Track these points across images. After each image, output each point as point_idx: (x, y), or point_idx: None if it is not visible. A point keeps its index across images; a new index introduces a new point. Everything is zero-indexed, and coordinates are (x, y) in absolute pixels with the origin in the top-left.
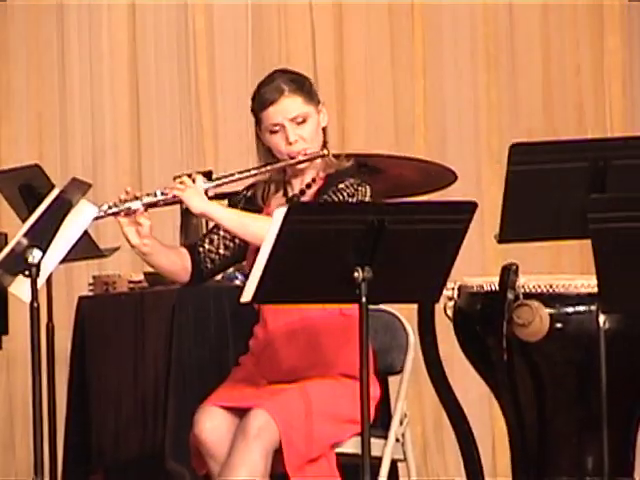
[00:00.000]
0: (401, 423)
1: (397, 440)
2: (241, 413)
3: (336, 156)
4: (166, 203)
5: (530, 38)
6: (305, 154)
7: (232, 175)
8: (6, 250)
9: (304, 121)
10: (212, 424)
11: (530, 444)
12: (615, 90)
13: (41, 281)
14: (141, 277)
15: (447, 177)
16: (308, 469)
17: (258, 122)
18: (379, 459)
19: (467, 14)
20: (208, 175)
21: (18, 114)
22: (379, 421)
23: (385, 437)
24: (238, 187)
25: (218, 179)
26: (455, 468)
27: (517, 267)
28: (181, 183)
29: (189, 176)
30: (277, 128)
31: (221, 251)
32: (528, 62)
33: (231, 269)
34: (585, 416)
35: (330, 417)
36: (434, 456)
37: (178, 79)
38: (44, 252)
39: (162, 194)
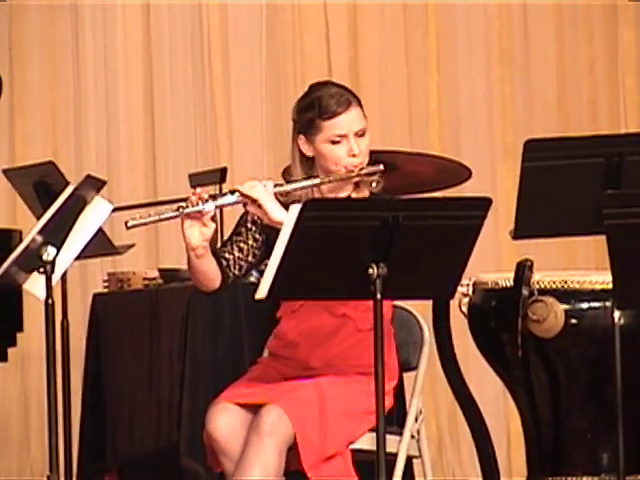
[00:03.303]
0: (416, 420)
1: (412, 437)
2: (254, 410)
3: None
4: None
5: (544, 33)
6: (362, 168)
7: (299, 182)
8: (21, 247)
9: (363, 134)
10: (225, 421)
11: (545, 440)
12: (629, 85)
13: (56, 278)
14: (156, 274)
15: (462, 173)
16: (324, 467)
17: (312, 131)
18: (394, 455)
19: (481, 10)
20: (224, 173)
21: (33, 111)
22: (394, 416)
23: (400, 434)
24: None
25: (285, 185)
26: (470, 465)
27: (532, 263)
28: (253, 187)
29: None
30: (339, 139)
31: (250, 258)
32: (542, 58)
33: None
34: (600, 412)
35: (345, 413)
36: (449, 453)
37: (192, 76)
38: (59, 249)
39: (233, 195)
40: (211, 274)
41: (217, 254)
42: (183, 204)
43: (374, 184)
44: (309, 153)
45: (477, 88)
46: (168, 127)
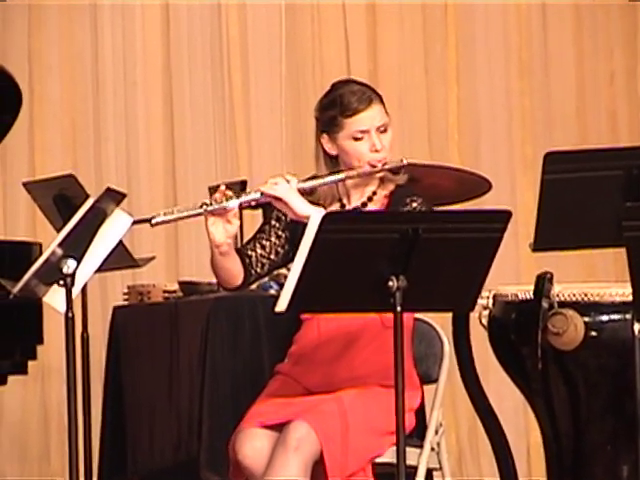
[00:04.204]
0: (436, 432)
1: (432, 449)
2: (280, 428)
3: (396, 171)
4: (258, 204)
5: (563, 45)
6: (385, 163)
7: (323, 177)
8: (41, 260)
9: (385, 130)
10: (254, 448)
11: (565, 453)
12: None
13: (76, 291)
14: (176, 287)
15: (482, 186)
16: None
17: (334, 128)
18: (415, 468)
19: (500, 22)
20: (243, 185)
21: (52, 123)
22: (415, 429)
23: (420, 446)
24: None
25: (309, 181)
26: (490, 477)
27: (552, 276)
28: (275, 184)
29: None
30: (362, 135)
31: (272, 257)
32: (561, 69)
33: (266, 278)
34: (620, 425)
35: (366, 429)
36: (469, 465)
37: (212, 87)
38: (79, 262)
39: (257, 193)
40: (234, 271)
41: (241, 252)
42: (207, 201)
43: (400, 179)
44: (332, 152)
45: (496, 100)
46: (187, 139)
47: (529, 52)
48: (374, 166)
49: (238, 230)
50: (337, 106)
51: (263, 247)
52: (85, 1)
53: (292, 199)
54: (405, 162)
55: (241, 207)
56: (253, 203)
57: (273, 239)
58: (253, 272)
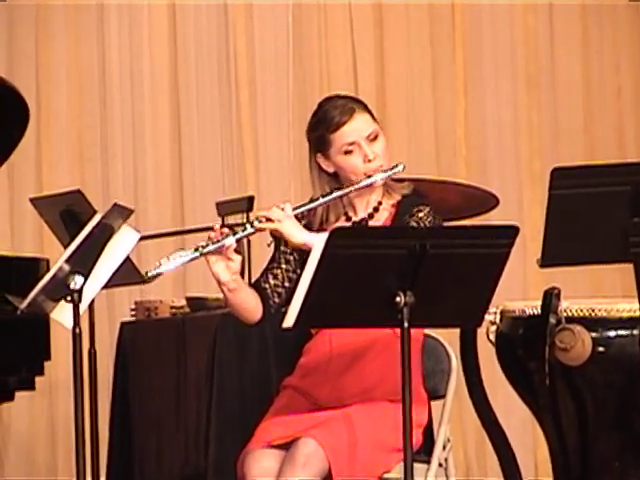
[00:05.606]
0: (444, 448)
1: (440, 465)
2: (289, 446)
3: (399, 180)
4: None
5: (571, 60)
6: (383, 171)
7: (317, 200)
8: (48, 276)
9: (376, 138)
10: (262, 469)
11: (573, 468)
12: None
13: (83, 307)
14: (183, 302)
15: (489, 201)
16: None
17: (325, 146)
18: None
19: (508, 36)
20: (250, 201)
21: (59, 139)
22: (423, 445)
23: (428, 462)
24: None
25: (304, 205)
26: None
27: (559, 291)
28: (269, 213)
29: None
30: (352, 148)
31: (286, 284)
32: (569, 84)
33: None
34: (628, 440)
35: (375, 446)
36: None
37: (219, 101)
38: (86, 278)
39: (252, 226)
40: (249, 306)
41: (256, 286)
42: (202, 243)
43: (404, 188)
44: (330, 169)
45: (504, 115)
46: (195, 154)
47: (536, 66)
48: (370, 176)
49: (245, 265)
50: (322, 123)
51: (275, 277)
52: (92, 22)
53: (286, 228)
54: (400, 167)
55: (239, 242)
56: (250, 236)
57: (284, 265)
58: (272, 303)
